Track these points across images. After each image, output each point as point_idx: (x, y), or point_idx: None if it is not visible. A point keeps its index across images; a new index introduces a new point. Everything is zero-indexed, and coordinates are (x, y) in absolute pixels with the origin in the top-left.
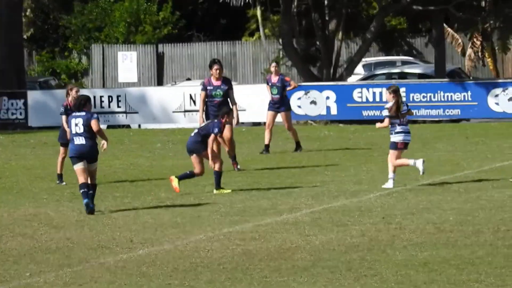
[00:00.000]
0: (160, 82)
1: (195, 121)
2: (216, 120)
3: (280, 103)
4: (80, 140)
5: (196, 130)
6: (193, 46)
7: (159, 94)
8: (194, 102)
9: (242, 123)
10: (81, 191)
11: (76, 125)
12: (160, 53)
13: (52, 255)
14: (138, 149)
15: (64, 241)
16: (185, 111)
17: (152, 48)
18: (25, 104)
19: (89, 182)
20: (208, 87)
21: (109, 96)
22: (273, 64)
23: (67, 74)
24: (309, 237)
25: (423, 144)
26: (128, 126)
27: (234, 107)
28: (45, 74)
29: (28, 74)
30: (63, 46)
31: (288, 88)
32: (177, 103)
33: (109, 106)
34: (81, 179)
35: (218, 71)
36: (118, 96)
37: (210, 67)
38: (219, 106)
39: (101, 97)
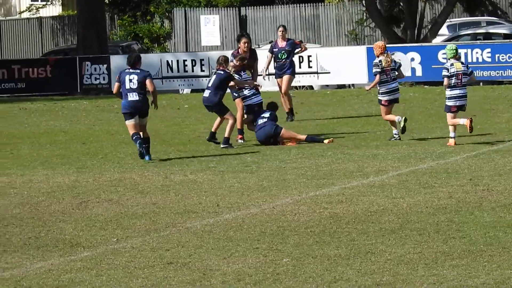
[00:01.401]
0: None
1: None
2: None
3: (288, 66)
4: (133, 96)
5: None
6: (275, 8)
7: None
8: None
9: (327, 85)
10: (135, 137)
11: (130, 81)
12: (243, 16)
13: (139, 220)
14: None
15: (150, 206)
16: (269, 74)
17: (234, 11)
18: (108, 69)
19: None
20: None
21: (192, 60)
22: (280, 28)
23: (149, 38)
24: (396, 200)
25: (510, 104)
26: None
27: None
28: (127, 38)
29: (110, 39)
30: (145, 10)
31: (297, 50)
32: (260, 66)
33: (193, 70)
34: (133, 131)
35: (246, 44)
36: (201, 60)
37: (238, 40)
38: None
39: (184, 61)
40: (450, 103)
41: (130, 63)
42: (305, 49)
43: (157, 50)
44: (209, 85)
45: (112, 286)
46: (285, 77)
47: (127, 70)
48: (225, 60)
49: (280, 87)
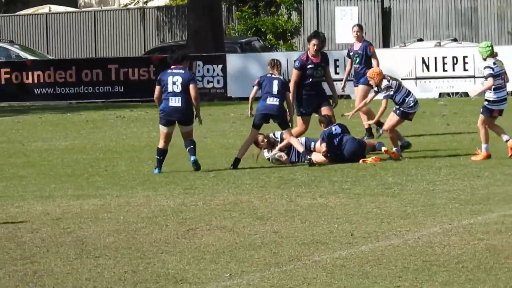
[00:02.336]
0: (386, 43)
1: (428, 90)
2: None
3: (362, 74)
4: (176, 102)
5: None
6: (425, 0)
7: (385, 58)
8: (428, 67)
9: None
10: (159, 152)
11: (174, 83)
12: (386, 8)
13: (257, 252)
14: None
15: (271, 235)
16: (416, 78)
17: (376, 2)
18: (224, 70)
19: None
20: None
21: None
22: (355, 28)
23: (273, 33)
24: None
25: None
26: (348, 97)
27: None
28: (248, 34)
29: (227, 34)
30: (269, 0)
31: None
32: (407, 68)
33: None
34: (162, 144)
35: (315, 46)
36: (336, 61)
37: (309, 40)
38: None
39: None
40: (493, 107)
41: (174, 60)
42: (376, 59)
43: (283, 48)
44: (274, 91)
45: None
46: (359, 88)
47: (169, 71)
48: (280, 64)
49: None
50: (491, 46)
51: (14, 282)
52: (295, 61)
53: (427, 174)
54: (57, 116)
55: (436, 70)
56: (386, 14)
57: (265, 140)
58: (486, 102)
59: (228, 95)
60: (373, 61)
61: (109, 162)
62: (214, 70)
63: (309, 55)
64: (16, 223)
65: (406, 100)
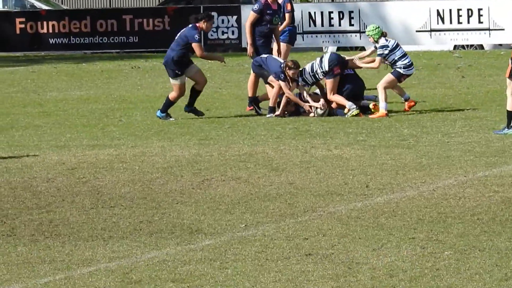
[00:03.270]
0: None
1: (443, 42)
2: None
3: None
4: None
5: None
6: None
7: (399, 9)
8: (442, 19)
9: (500, 45)
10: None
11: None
12: None
13: (272, 203)
14: (375, 76)
15: (286, 186)
16: (431, 30)
17: None
18: (238, 21)
19: None
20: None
21: (339, 12)
22: None
23: None
24: None
25: None
26: (363, 48)
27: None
28: None
29: None
30: None
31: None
32: (422, 20)
33: (340, 24)
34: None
35: None
36: (350, 12)
37: None
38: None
39: (330, 13)
40: (405, 72)
41: (193, 19)
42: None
43: (298, 0)
44: None
45: (239, 280)
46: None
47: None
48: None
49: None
50: (378, 27)
51: (30, 231)
52: (254, 4)
53: (442, 126)
54: (72, 66)
55: (451, 23)
56: None
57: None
58: (399, 68)
59: (243, 46)
60: (287, 16)
61: (124, 112)
62: (228, 21)
63: (269, 1)
64: (32, 172)
65: (399, 62)
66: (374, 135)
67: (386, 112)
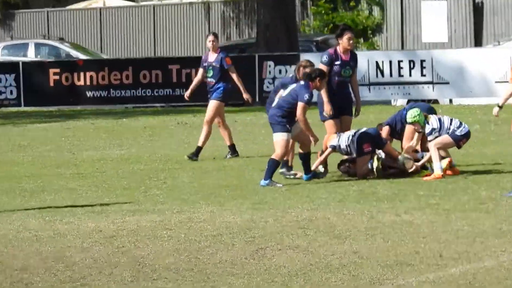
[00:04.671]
0: (478, 42)
1: None
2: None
3: (215, 89)
4: None
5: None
6: None
7: (477, 58)
8: None
9: None
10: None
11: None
12: (478, 3)
13: (334, 274)
14: None
15: (350, 256)
16: None
17: None
18: None
19: None
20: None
21: (410, 61)
22: (210, 37)
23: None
24: None
25: None
26: (435, 101)
27: None
28: (324, 31)
29: (301, 32)
30: None
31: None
32: (502, 70)
33: (410, 75)
34: None
35: (351, 40)
36: (422, 62)
37: (340, 35)
38: None
39: (399, 62)
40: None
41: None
42: (235, 73)
43: (364, 47)
44: None
45: None
46: (211, 103)
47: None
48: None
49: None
50: (420, 110)
51: None
52: (321, 55)
53: None
54: (111, 122)
55: None
56: (478, 9)
57: None
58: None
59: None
60: (233, 75)
61: (169, 173)
62: (287, 71)
63: (339, 51)
64: (65, 241)
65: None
66: (448, 198)
67: (442, 173)
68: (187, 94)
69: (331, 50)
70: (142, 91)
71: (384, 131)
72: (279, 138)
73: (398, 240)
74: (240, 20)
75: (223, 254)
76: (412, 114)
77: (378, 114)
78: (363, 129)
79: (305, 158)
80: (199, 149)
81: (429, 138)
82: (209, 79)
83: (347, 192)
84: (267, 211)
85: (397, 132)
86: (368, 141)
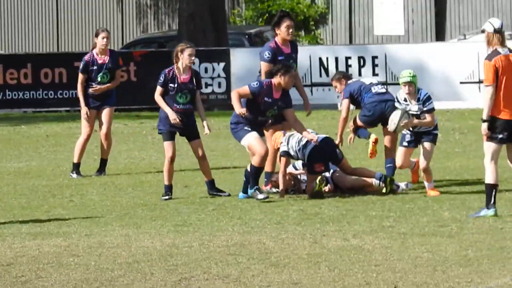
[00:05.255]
0: (440, 36)
1: None
2: None
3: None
4: None
5: None
6: None
7: (439, 55)
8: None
9: None
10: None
11: None
12: None
13: None
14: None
15: (290, 287)
16: (480, 81)
17: None
18: (227, 69)
19: None
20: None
21: (359, 58)
22: (104, 34)
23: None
24: None
25: None
26: None
27: None
28: (258, 22)
29: (231, 22)
30: None
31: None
32: (468, 68)
33: (360, 73)
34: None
35: (290, 29)
36: (374, 58)
37: (278, 24)
38: None
39: (347, 58)
40: None
41: None
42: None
43: (305, 41)
44: None
45: None
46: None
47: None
48: None
49: None
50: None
51: None
52: (262, 52)
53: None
54: (8, 129)
55: None
56: None
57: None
58: None
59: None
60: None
61: (76, 190)
62: (214, 70)
63: (279, 43)
64: None
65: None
66: (404, 220)
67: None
68: (86, 112)
69: (271, 44)
70: (44, 93)
71: (344, 105)
72: (245, 143)
73: (345, 269)
74: (159, 8)
75: (140, 285)
76: (409, 73)
77: (322, 120)
78: (318, 137)
79: (256, 172)
80: (104, 161)
81: (428, 106)
82: (101, 85)
83: (285, 212)
84: (192, 234)
85: (358, 102)
86: (321, 160)
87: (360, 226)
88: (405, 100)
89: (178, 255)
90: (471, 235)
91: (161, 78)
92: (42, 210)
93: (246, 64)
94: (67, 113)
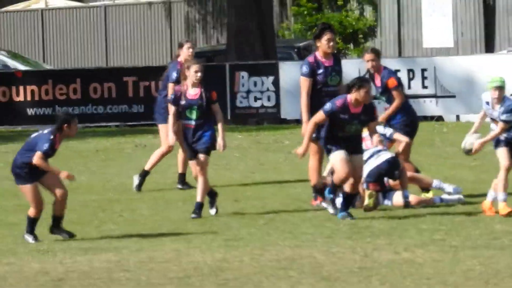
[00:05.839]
0: (489, 48)
1: None
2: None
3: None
4: None
5: None
6: None
7: (488, 67)
8: None
9: None
10: None
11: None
12: (490, 1)
13: None
14: (456, 155)
15: None
16: None
17: None
18: (276, 83)
19: None
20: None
21: (408, 71)
22: (187, 44)
23: (341, 34)
24: None
25: None
26: (440, 118)
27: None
28: (307, 35)
29: (279, 36)
30: None
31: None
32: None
33: (409, 87)
34: None
35: (331, 42)
36: (423, 71)
37: (319, 36)
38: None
39: (396, 71)
40: None
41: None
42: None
43: (354, 54)
44: None
45: None
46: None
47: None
48: None
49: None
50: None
51: None
52: (300, 66)
53: None
54: None
55: None
56: (489, 8)
57: None
58: None
59: (282, 117)
60: None
61: (126, 205)
62: (263, 83)
63: (319, 57)
64: (6, 286)
65: None
66: (456, 233)
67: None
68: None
69: (310, 58)
70: (93, 108)
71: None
72: (332, 159)
73: (397, 283)
74: (207, 23)
75: None
76: (500, 77)
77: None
78: (380, 159)
79: (334, 187)
80: (181, 175)
81: (504, 116)
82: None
83: (336, 226)
84: (242, 248)
85: None
86: (377, 180)
87: (411, 239)
88: (487, 103)
89: (228, 270)
90: None
91: (172, 96)
92: (92, 225)
93: (294, 77)
94: (116, 128)
